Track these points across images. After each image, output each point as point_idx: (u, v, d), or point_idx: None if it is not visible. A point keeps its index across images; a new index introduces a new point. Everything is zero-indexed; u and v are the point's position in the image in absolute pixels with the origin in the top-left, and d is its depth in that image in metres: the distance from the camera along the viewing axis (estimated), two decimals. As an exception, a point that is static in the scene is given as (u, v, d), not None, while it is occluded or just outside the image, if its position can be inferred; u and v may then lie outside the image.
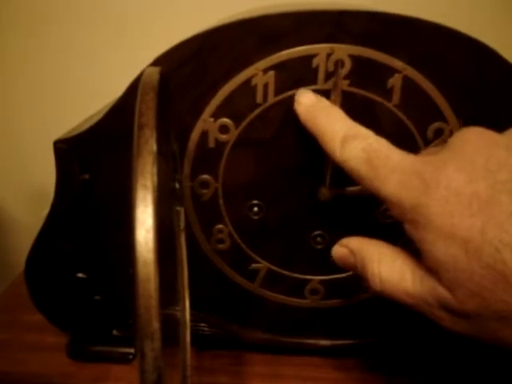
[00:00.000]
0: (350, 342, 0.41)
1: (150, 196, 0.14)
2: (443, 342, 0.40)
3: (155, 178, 0.14)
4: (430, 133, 0.33)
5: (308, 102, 0.31)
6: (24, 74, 0.66)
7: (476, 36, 0.31)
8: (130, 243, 0.14)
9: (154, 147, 0.15)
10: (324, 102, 0.31)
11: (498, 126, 0.30)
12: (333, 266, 0.38)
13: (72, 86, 0.66)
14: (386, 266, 0.26)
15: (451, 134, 0.33)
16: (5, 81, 0.67)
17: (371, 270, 0.27)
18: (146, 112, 0.16)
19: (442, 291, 0.23)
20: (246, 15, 0.32)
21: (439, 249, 0.22)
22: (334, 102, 0.32)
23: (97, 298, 0.40)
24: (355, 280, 0.38)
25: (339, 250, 0.30)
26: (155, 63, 0.32)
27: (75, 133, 0.35)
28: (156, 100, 0.16)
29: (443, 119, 0.33)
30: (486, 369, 0.40)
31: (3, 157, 0.72)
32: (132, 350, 0.42)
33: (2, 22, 0.63)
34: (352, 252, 0.29)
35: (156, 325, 0.13)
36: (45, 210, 0.70)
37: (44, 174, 0.73)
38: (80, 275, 0.39)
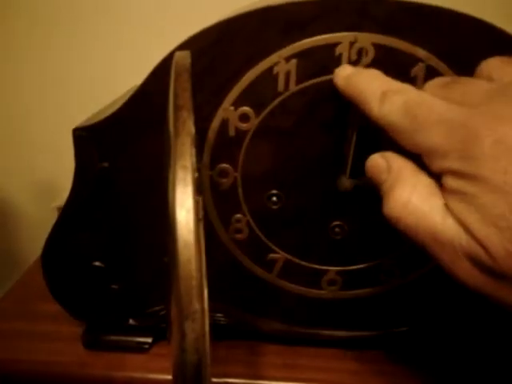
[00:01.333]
0: (366, 333, 0.41)
1: (190, 176, 0.14)
2: (461, 336, 0.40)
3: (194, 159, 0.14)
4: (452, 123, 0.33)
5: (347, 72, 0.30)
6: (31, 68, 0.66)
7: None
8: (168, 224, 0.14)
9: (192, 129, 0.14)
10: (362, 70, 0.30)
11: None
12: (351, 256, 0.38)
13: (77, 82, 0.66)
14: (419, 195, 0.24)
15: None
16: (13, 75, 0.67)
17: (401, 192, 0.25)
18: (182, 94, 0.15)
19: (475, 244, 0.21)
20: (269, 2, 0.32)
21: (485, 203, 0.21)
22: None
23: (113, 286, 0.40)
24: (373, 271, 0.38)
25: (378, 161, 0.28)
26: (179, 49, 0.32)
27: (95, 120, 0.35)
28: (190, 82, 0.16)
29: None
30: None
31: (11, 152, 0.72)
32: (148, 340, 0.42)
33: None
34: (390, 169, 0.27)
35: (197, 305, 0.13)
36: (54, 203, 0.70)
37: (52, 168, 0.73)
38: (97, 264, 0.39)
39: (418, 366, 0.40)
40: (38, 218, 0.77)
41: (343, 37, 0.31)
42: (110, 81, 0.63)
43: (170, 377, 0.40)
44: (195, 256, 0.13)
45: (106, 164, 0.36)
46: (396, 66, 0.32)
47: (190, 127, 0.15)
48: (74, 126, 0.36)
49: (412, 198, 0.24)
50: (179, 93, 0.16)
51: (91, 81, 0.67)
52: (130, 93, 0.34)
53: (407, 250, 0.37)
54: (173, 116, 0.15)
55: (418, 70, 0.32)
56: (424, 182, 0.25)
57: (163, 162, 0.19)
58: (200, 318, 0.14)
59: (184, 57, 0.18)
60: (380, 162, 0.27)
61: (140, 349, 0.42)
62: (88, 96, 0.65)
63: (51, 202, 0.71)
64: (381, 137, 0.34)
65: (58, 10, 0.63)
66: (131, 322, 0.42)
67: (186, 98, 0.15)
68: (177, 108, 0.15)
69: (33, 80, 0.67)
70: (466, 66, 0.32)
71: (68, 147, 0.35)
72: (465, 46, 0.31)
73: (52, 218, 0.67)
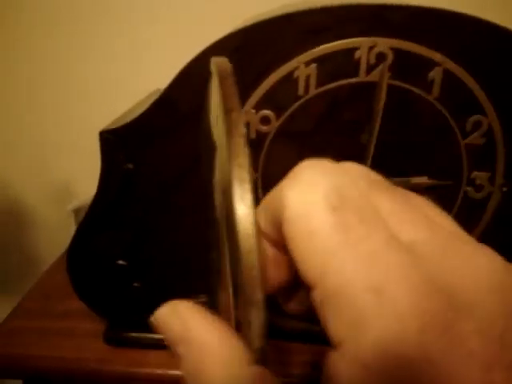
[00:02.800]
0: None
1: (246, 174, 0.15)
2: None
3: (248, 159, 0.15)
4: (468, 125, 0.34)
5: None
6: (49, 72, 0.67)
7: None
8: (230, 218, 0.15)
9: (244, 130, 0.16)
10: None
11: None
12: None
13: (95, 84, 0.67)
14: None
15: (489, 126, 0.34)
16: (29, 77, 0.68)
17: None
18: (230, 97, 0.16)
19: None
20: (288, 9, 0.33)
21: None
22: (379, 95, 0.33)
23: (136, 284, 0.41)
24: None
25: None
26: (203, 54, 0.33)
27: (121, 123, 0.36)
28: (236, 85, 0.17)
29: (482, 112, 0.33)
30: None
31: (26, 154, 0.73)
32: (168, 337, 0.43)
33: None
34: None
35: (260, 294, 0.14)
36: (70, 205, 0.71)
37: (67, 171, 0.75)
38: (121, 262, 0.40)
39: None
40: (55, 220, 0.78)
41: (362, 42, 0.32)
42: (130, 82, 0.64)
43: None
44: (256, 247, 0.14)
45: (130, 166, 0.37)
46: (414, 70, 0.33)
47: (241, 129, 0.16)
48: (92, 128, 0.38)
49: None
50: (228, 96, 0.16)
51: (108, 82, 0.68)
52: (154, 97, 0.35)
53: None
54: (223, 119, 0.16)
55: (435, 73, 0.33)
56: None
57: (202, 169, 0.20)
58: (263, 306, 0.15)
59: (224, 62, 0.19)
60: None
61: (161, 346, 0.43)
62: (105, 97, 0.66)
63: (68, 204, 0.72)
64: (398, 140, 0.35)
65: (59, 10, 0.63)
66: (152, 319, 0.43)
67: (235, 102, 0.16)
68: (227, 111, 0.16)
69: (49, 80, 0.68)
70: (481, 69, 0.33)
71: (85, 149, 0.36)
72: (480, 49, 0.32)
73: (68, 220, 0.69)
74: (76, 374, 0.43)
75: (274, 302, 0.41)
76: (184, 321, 0.17)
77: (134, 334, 0.44)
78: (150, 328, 0.42)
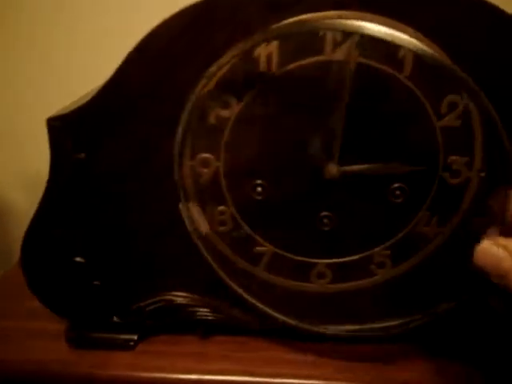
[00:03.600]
0: (356, 327, 0.39)
1: None
2: (457, 328, 0.39)
3: None
4: (443, 106, 0.32)
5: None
6: (21, 61, 0.65)
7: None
8: None
9: None
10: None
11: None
12: (341, 248, 0.37)
13: (66, 72, 0.64)
14: None
15: (465, 107, 0.31)
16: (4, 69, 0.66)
17: None
18: None
19: None
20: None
21: None
22: (346, 73, 0.30)
23: (96, 283, 0.39)
24: (364, 263, 0.37)
25: (492, 249, 0.26)
26: (154, 32, 0.30)
27: (69, 109, 0.33)
28: None
29: (458, 92, 0.31)
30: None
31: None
32: (133, 337, 0.41)
33: None
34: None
35: None
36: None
37: (40, 160, 0.72)
38: (78, 259, 0.38)
39: (411, 360, 0.39)
40: (26, 213, 0.75)
41: (327, 16, 0.30)
42: (100, 68, 0.61)
43: (155, 374, 0.39)
44: None
45: (82, 155, 0.34)
46: (383, 47, 0.30)
47: None
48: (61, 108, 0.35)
49: None
50: None
51: (83, 71, 0.65)
52: (105, 81, 0.33)
53: (399, 239, 0.36)
54: None
55: (405, 50, 0.30)
56: None
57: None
58: None
59: None
60: (496, 251, 0.26)
61: (125, 346, 0.41)
62: (80, 86, 0.63)
63: (38, 196, 0.69)
64: (368, 123, 0.33)
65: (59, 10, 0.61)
66: (115, 319, 0.40)
67: None
68: None
69: (25, 71, 0.65)
70: (456, 44, 0.30)
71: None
72: (454, 24, 0.30)
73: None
74: (39, 377, 0.41)
75: (236, 298, 0.39)
76: (505, 245, 0.25)
77: (97, 335, 0.41)
78: (113, 328, 0.40)
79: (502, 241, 0.26)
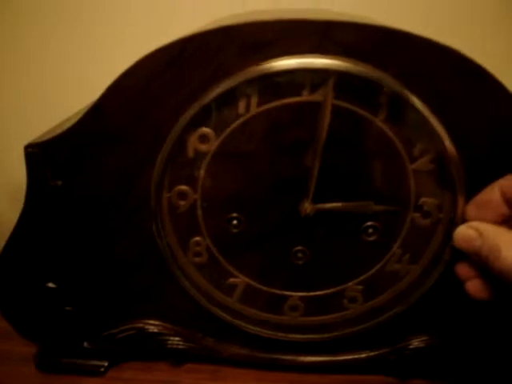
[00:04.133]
0: (328, 358, 0.40)
1: None
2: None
3: None
4: (416, 150, 0.32)
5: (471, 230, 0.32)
6: (5, 75, 0.64)
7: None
8: None
9: None
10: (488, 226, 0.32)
11: (486, 140, 0.31)
12: (314, 282, 0.37)
13: (54, 85, 0.64)
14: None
15: (438, 152, 0.32)
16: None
17: (505, 251, 0.28)
18: None
19: None
20: (228, 22, 0.30)
21: None
22: (323, 115, 0.31)
23: (68, 308, 0.39)
24: (336, 297, 0.38)
25: (466, 231, 0.31)
26: (135, 67, 0.31)
27: (48, 137, 0.33)
28: None
29: (431, 137, 0.32)
30: None
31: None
32: (104, 363, 0.41)
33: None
34: (481, 235, 0.30)
35: None
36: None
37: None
38: (50, 285, 0.38)
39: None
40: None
41: (305, 63, 0.30)
42: (88, 84, 0.61)
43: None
44: None
45: (59, 182, 0.34)
46: (360, 91, 0.31)
47: None
48: (40, 135, 0.35)
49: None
50: None
51: (68, 85, 0.64)
52: (85, 109, 0.33)
53: (371, 275, 0.36)
54: None
55: (382, 95, 0.31)
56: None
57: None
58: None
59: None
60: (469, 233, 0.31)
61: (95, 372, 0.40)
62: (64, 100, 0.62)
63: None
64: (343, 163, 0.33)
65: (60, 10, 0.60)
66: (86, 345, 0.40)
67: None
68: None
69: (9, 85, 0.65)
70: (430, 91, 0.31)
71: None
72: (428, 71, 0.30)
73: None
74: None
75: (208, 327, 0.39)
76: (476, 227, 0.31)
77: (67, 360, 0.41)
78: (83, 354, 0.40)
79: (475, 224, 0.31)
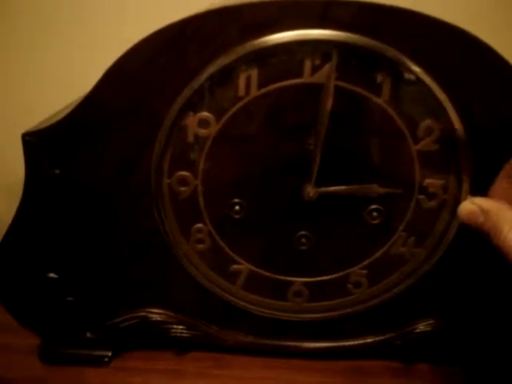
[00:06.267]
0: (334, 344, 0.39)
1: None
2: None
3: None
4: (420, 131, 0.32)
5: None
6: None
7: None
8: None
9: None
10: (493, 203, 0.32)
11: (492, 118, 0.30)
12: (318, 267, 0.37)
13: (43, 79, 0.63)
14: None
15: (442, 132, 0.32)
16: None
17: (505, 231, 0.29)
18: None
19: None
20: (229, 2, 0.30)
21: None
22: (326, 97, 0.30)
23: (70, 299, 0.38)
24: (341, 282, 0.37)
25: (470, 207, 0.31)
26: (132, 51, 0.30)
27: (45, 125, 0.33)
28: None
29: (434, 117, 0.31)
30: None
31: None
32: (108, 353, 0.40)
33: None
34: (484, 212, 0.30)
35: None
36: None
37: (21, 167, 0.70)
38: (52, 275, 0.37)
39: (391, 377, 0.39)
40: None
41: (306, 40, 0.30)
42: (77, 77, 0.60)
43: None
44: None
45: (57, 171, 0.34)
46: (361, 71, 0.31)
47: None
48: (37, 123, 0.34)
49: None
50: None
51: (58, 78, 0.64)
52: (81, 98, 0.32)
53: (376, 259, 0.36)
54: None
55: (384, 75, 0.31)
56: None
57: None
58: None
59: None
60: (471, 208, 0.31)
61: (99, 362, 0.40)
62: (55, 95, 0.62)
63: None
64: (346, 145, 0.33)
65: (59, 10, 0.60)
66: (89, 335, 0.40)
67: None
68: None
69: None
70: (434, 70, 0.30)
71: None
72: (430, 50, 0.30)
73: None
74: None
75: (212, 315, 0.39)
76: (479, 204, 0.30)
77: (70, 351, 0.40)
78: (87, 344, 0.40)
79: (479, 200, 0.31)
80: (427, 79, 0.30)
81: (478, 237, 0.29)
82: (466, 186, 0.33)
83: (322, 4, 0.29)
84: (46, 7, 0.59)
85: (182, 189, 0.34)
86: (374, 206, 0.34)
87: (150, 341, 0.40)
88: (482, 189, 0.32)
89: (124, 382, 0.39)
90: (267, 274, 0.37)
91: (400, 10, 0.29)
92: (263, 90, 0.31)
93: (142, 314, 0.39)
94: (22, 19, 0.60)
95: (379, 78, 0.31)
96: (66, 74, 0.62)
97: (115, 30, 0.58)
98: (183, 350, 0.41)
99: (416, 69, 0.30)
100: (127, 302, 0.38)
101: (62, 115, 0.32)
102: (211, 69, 0.30)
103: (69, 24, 0.59)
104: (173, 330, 0.39)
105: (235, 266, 0.37)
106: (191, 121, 0.32)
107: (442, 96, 0.30)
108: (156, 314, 0.39)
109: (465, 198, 0.32)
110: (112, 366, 0.41)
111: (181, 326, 0.39)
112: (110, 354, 0.40)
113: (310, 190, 0.33)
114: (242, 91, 0.31)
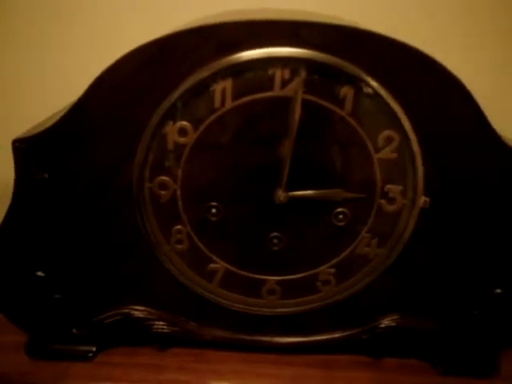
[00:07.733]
0: (305, 339, 0.42)
1: None
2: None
3: None
4: (380, 140, 0.35)
5: None
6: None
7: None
8: None
9: None
10: None
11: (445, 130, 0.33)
12: (289, 266, 0.40)
13: (34, 83, 0.65)
14: None
15: (400, 142, 0.35)
16: None
17: None
18: None
19: None
20: (203, 22, 0.33)
21: None
22: (293, 109, 0.33)
23: (57, 296, 0.40)
24: (310, 280, 0.40)
25: None
26: (117, 64, 0.33)
27: (35, 132, 0.35)
28: None
29: (393, 128, 0.34)
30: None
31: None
32: (92, 348, 0.42)
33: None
34: None
35: None
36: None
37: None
38: (39, 274, 0.39)
39: (359, 371, 0.42)
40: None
41: (276, 57, 0.33)
42: (67, 83, 0.61)
43: (114, 384, 0.41)
44: None
45: (46, 175, 0.36)
46: (327, 86, 0.34)
47: None
48: (27, 130, 0.37)
49: None
50: None
51: (48, 83, 0.65)
52: (70, 105, 0.35)
53: (343, 258, 0.39)
54: None
55: (347, 89, 0.34)
56: None
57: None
58: None
59: None
60: None
61: (84, 357, 0.42)
62: (45, 99, 0.63)
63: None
64: (314, 153, 0.36)
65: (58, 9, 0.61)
66: (75, 331, 0.42)
67: None
68: None
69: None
70: (393, 85, 0.33)
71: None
72: (391, 66, 0.33)
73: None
74: (-1, 389, 0.42)
75: (191, 312, 0.42)
76: None
77: (57, 346, 0.43)
78: (72, 340, 0.42)
79: None
80: (384, 93, 0.33)
81: (432, 236, 0.32)
82: (420, 190, 0.35)
83: (292, 25, 0.32)
84: (37, 19, 0.60)
85: (163, 192, 0.37)
86: (339, 210, 0.37)
87: (133, 336, 0.42)
88: (436, 194, 0.35)
89: (108, 375, 0.41)
90: (242, 272, 0.39)
91: (360, 32, 0.32)
92: (237, 102, 0.34)
93: (126, 310, 0.41)
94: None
95: (342, 93, 0.34)
96: (55, 82, 0.64)
97: (108, 39, 0.60)
98: (164, 345, 0.43)
99: (373, 83, 0.33)
100: (111, 299, 0.41)
101: (51, 122, 0.35)
102: (189, 82, 0.33)
103: (62, 33, 0.61)
104: (154, 326, 0.41)
105: (212, 265, 0.39)
106: (171, 129, 0.35)
107: (397, 108, 0.33)
108: (138, 311, 0.41)
109: (421, 202, 0.35)
110: (96, 361, 0.43)
111: (161, 322, 0.41)
112: (94, 349, 0.42)
113: (281, 194, 0.36)
114: (217, 103, 0.34)
